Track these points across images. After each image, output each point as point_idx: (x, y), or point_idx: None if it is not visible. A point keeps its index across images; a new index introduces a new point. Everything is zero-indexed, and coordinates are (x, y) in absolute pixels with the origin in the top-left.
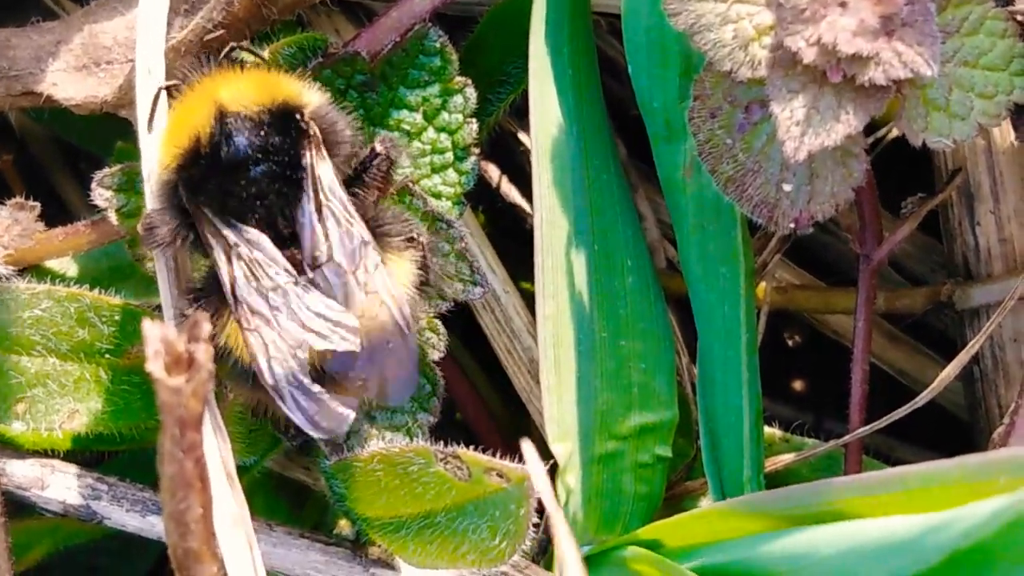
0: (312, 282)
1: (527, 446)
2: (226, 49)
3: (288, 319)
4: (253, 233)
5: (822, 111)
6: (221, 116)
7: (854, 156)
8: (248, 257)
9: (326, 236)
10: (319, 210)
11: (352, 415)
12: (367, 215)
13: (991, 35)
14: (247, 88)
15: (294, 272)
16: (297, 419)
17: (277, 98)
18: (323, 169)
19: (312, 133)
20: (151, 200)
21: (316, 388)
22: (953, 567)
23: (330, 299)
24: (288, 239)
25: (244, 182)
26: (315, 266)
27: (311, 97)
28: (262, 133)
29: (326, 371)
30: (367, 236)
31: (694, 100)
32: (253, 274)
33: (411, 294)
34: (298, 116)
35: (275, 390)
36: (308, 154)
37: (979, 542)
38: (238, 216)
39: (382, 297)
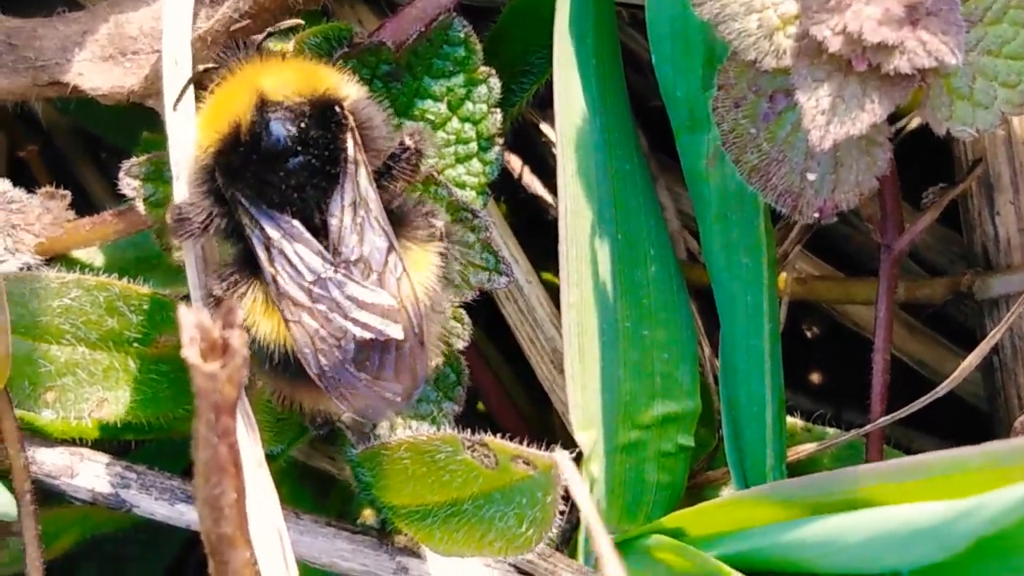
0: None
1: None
2: (263, 36)
3: (331, 309)
4: (290, 223)
5: (847, 100)
6: (262, 104)
7: (878, 145)
8: (288, 250)
9: (358, 235)
10: (354, 207)
11: (399, 398)
12: (392, 205)
13: (1014, 24)
14: (289, 77)
15: (332, 260)
16: (346, 407)
17: (318, 89)
18: (360, 165)
19: (351, 127)
20: (184, 185)
21: (363, 376)
22: (979, 554)
23: (368, 285)
24: (320, 229)
25: (283, 173)
26: (339, 262)
27: (350, 90)
28: (303, 125)
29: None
30: (395, 242)
31: (718, 90)
32: (293, 267)
33: (433, 285)
34: (337, 109)
35: (323, 380)
36: (347, 149)
37: (1005, 528)
38: (275, 205)
39: (404, 304)
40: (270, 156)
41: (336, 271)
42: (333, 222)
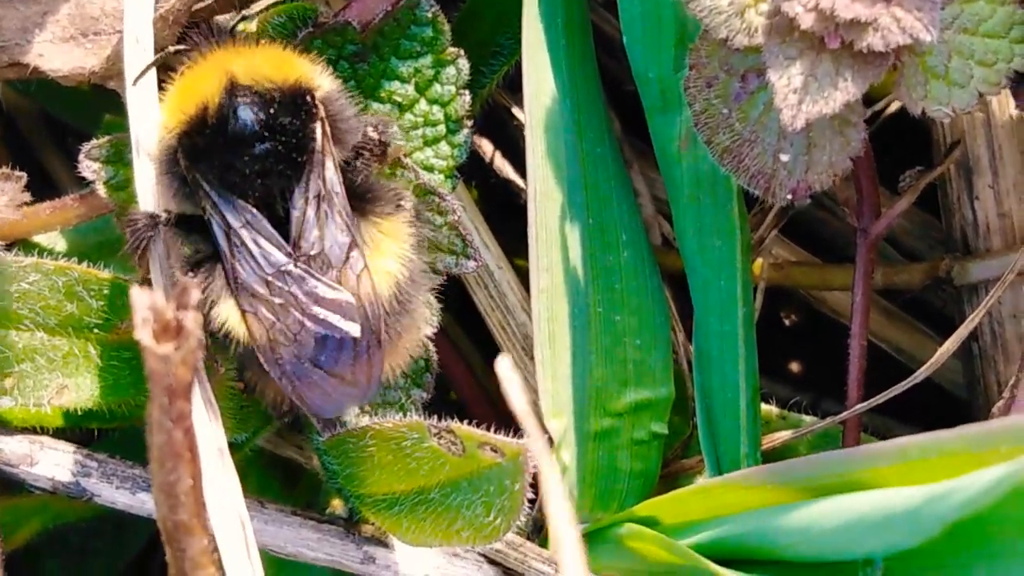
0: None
1: (528, 418)
2: (236, 19)
3: (288, 303)
4: (252, 212)
5: (820, 78)
6: (232, 88)
7: (852, 125)
8: (248, 239)
9: (319, 229)
10: (318, 199)
11: (353, 399)
12: (357, 181)
13: (991, 2)
14: (261, 63)
15: (292, 253)
16: (300, 403)
17: (290, 77)
18: (327, 156)
19: (321, 117)
20: (144, 165)
21: (318, 372)
22: (953, 538)
23: (328, 282)
24: (282, 220)
25: (247, 158)
26: (299, 255)
27: (323, 81)
28: (271, 111)
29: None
30: (358, 237)
31: (690, 69)
32: (253, 257)
33: (409, 254)
34: (308, 98)
35: (277, 373)
36: (315, 139)
37: (979, 512)
38: (237, 191)
39: (363, 302)
40: (236, 140)
41: (296, 265)
42: (295, 214)
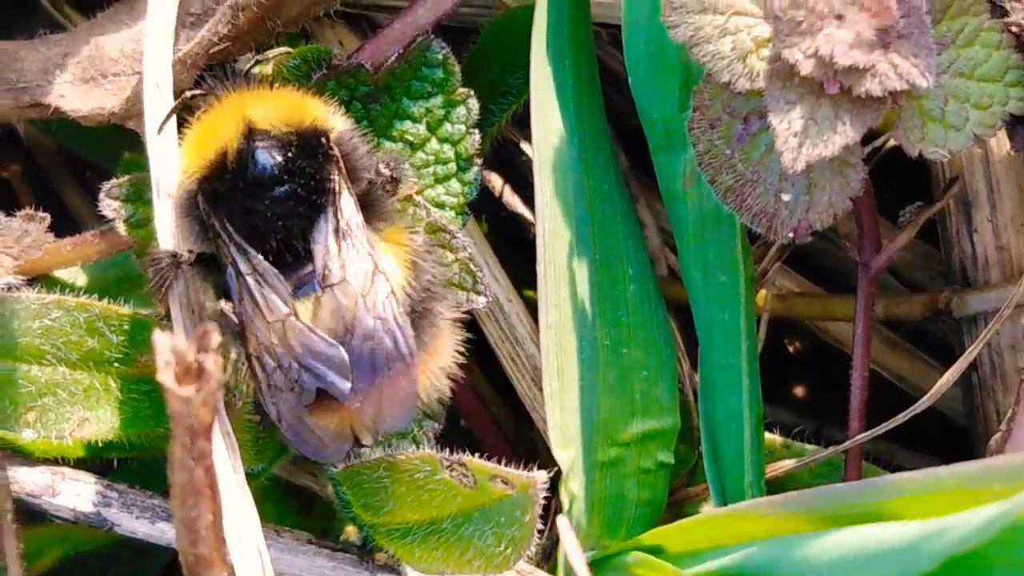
0: (320, 301)
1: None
2: (250, 63)
3: (287, 353)
4: (262, 264)
5: (819, 122)
6: (250, 132)
7: (851, 166)
8: (254, 286)
9: (340, 258)
10: (337, 232)
11: (347, 448)
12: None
13: (986, 47)
14: (276, 107)
15: (293, 309)
16: (299, 449)
17: (305, 120)
18: (345, 194)
19: (337, 158)
20: (164, 204)
21: (313, 423)
22: (949, 573)
23: (325, 337)
24: (303, 256)
25: (268, 201)
26: (325, 285)
27: (336, 122)
28: (289, 154)
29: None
30: (381, 265)
31: (693, 111)
32: (258, 306)
33: (415, 259)
34: (324, 140)
35: (276, 419)
36: (333, 179)
37: (974, 549)
38: (257, 234)
39: (390, 325)
40: (256, 184)
41: (298, 318)
42: (318, 248)
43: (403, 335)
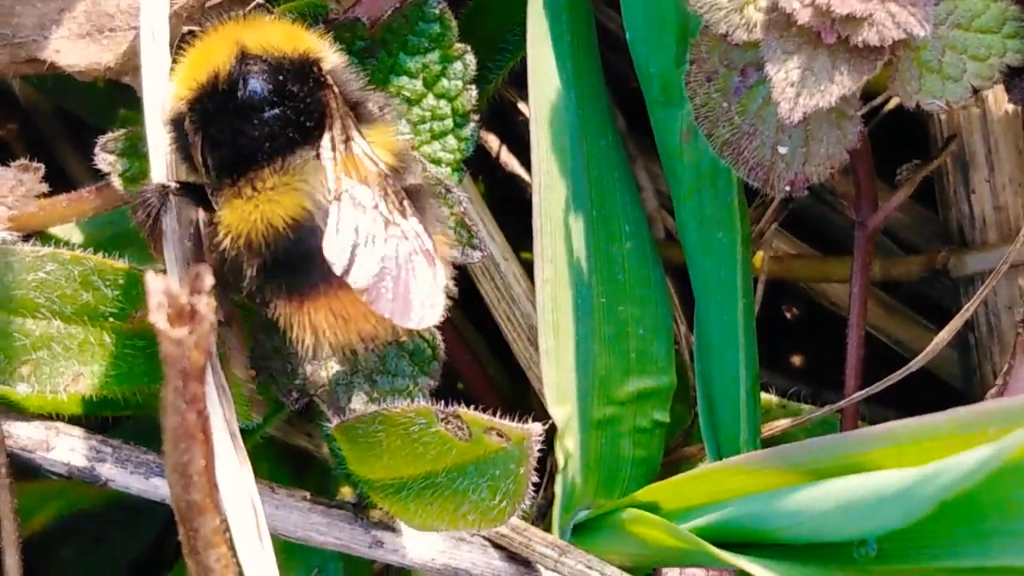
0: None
1: None
2: (251, 7)
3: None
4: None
5: (816, 72)
6: (242, 57)
7: (848, 118)
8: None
9: (349, 165)
10: (345, 142)
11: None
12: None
13: None
14: (271, 35)
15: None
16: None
17: (299, 48)
18: (343, 117)
19: (331, 85)
20: (160, 159)
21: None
22: (943, 518)
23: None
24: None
25: (257, 122)
26: (338, 194)
27: (330, 55)
28: (280, 78)
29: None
30: (403, 181)
31: (690, 64)
32: None
33: (404, 151)
34: (316, 68)
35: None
36: (328, 104)
37: (966, 492)
38: (244, 156)
39: (413, 226)
40: (246, 105)
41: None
42: (326, 155)
43: (428, 238)
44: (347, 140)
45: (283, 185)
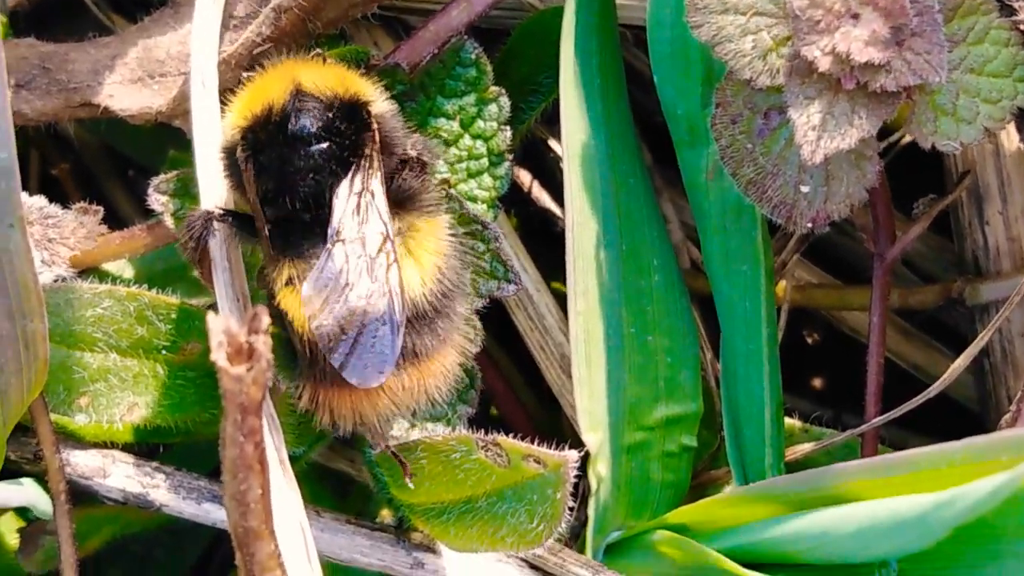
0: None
1: None
2: (312, 54)
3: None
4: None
5: (837, 116)
6: (297, 93)
7: (867, 159)
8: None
9: (358, 219)
10: (359, 194)
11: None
12: (399, 188)
13: (995, 44)
14: (325, 75)
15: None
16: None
17: (350, 89)
18: (375, 163)
19: (374, 129)
20: (210, 200)
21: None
22: (960, 541)
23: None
24: (325, 216)
25: (303, 153)
26: (338, 240)
27: (378, 99)
28: (329, 115)
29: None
30: (391, 234)
31: (716, 107)
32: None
33: (449, 254)
34: (365, 112)
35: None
36: (367, 146)
37: (981, 518)
38: (288, 184)
39: (388, 287)
40: (296, 138)
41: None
42: (338, 203)
43: (399, 303)
44: (362, 191)
45: None
